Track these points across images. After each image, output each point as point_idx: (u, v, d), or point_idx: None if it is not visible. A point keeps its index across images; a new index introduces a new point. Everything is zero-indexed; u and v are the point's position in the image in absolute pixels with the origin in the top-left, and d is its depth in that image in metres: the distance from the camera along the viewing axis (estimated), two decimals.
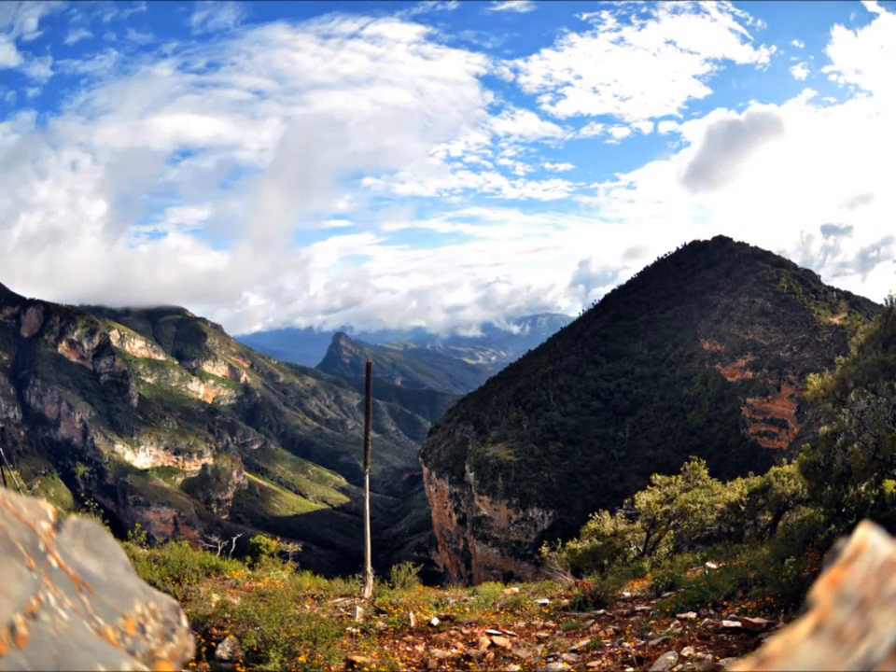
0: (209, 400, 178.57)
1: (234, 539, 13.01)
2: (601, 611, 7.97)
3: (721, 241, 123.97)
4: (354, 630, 7.01)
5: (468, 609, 8.30)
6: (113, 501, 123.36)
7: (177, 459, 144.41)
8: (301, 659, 5.59)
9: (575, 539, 13.57)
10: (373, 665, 5.82)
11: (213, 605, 7.07)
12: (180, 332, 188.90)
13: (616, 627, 7.04)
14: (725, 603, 7.07)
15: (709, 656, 5.41)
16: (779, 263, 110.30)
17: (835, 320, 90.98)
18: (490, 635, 6.95)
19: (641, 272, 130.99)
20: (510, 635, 7.10)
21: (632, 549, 12.92)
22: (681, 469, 13.33)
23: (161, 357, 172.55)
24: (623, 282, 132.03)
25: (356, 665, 5.83)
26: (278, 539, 13.38)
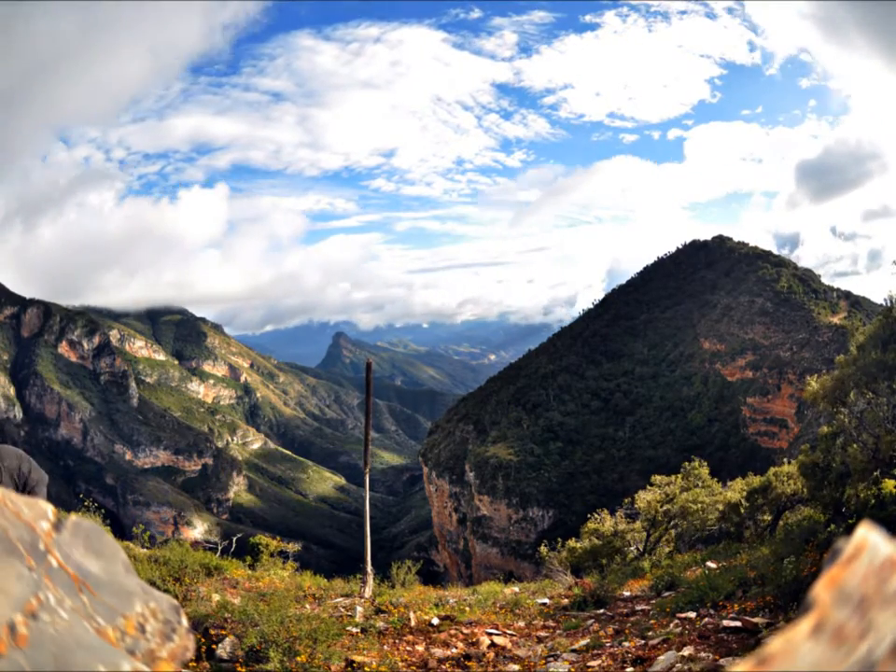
0: (209, 400, 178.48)
1: (234, 538, 13.01)
2: (601, 611, 7.97)
3: (721, 241, 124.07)
4: (354, 630, 7.01)
5: (468, 608, 8.30)
6: (113, 501, 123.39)
7: (177, 459, 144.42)
8: (301, 659, 5.58)
9: (574, 539, 13.57)
10: (373, 665, 5.82)
11: (213, 605, 7.07)
12: (180, 332, 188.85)
13: (616, 627, 7.04)
14: (725, 603, 7.07)
15: (709, 656, 5.41)
16: (779, 263, 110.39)
17: (835, 320, 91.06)
18: (490, 634, 6.95)
19: (641, 271, 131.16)
20: (510, 634, 7.10)
21: (632, 548, 12.92)
22: (681, 468, 13.34)
23: (161, 357, 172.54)
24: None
25: (356, 665, 5.83)
26: (278, 538, 13.36)
